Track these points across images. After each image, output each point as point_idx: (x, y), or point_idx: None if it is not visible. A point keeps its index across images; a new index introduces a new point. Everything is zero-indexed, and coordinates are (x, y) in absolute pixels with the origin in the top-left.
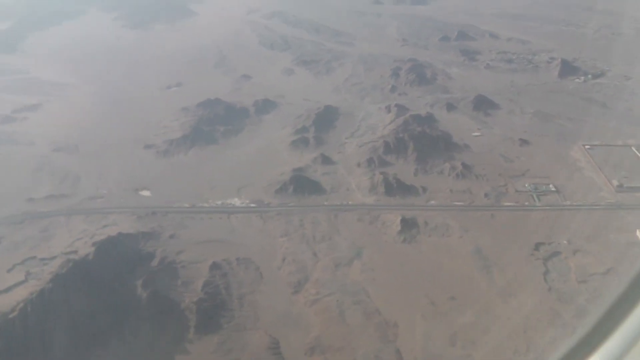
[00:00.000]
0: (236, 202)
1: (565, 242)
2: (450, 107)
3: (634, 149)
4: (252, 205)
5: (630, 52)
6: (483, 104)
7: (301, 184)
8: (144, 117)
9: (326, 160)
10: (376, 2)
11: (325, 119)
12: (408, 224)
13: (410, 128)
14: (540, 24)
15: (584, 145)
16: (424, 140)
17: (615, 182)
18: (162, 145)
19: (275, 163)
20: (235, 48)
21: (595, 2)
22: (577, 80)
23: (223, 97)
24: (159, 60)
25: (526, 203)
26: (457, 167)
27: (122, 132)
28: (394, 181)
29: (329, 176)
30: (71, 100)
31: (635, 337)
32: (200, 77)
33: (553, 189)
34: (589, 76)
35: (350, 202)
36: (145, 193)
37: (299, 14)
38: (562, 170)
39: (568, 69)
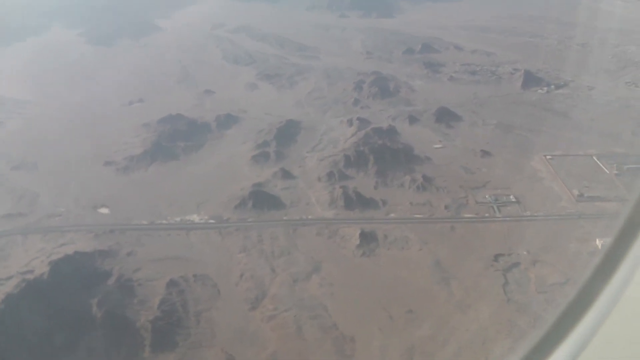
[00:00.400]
0: (195, 218)
1: (525, 252)
2: (413, 119)
3: (595, 158)
4: (211, 221)
5: (593, 63)
6: (445, 116)
7: (260, 199)
8: (104, 133)
9: (286, 174)
10: (342, 15)
11: (287, 133)
12: (367, 238)
13: (372, 141)
14: (505, 36)
15: (545, 156)
16: (384, 154)
17: (575, 192)
18: (122, 162)
19: (236, 178)
20: (199, 63)
21: (560, 14)
22: (540, 91)
23: (185, 112)
24: (122, 76)
25: (486, 214)
26: (417, 180)
27: (83, 149)
28: (353, 195)
29: (288, 191)
30: (32, 117)
31: (585, 341)
32: (162, 92)
33: (513, 199)
34: (552, 87)
35: (309, 217)
36: (104, 210)
37: (264, 28)
38: (522, 181)
39: (531, 80)
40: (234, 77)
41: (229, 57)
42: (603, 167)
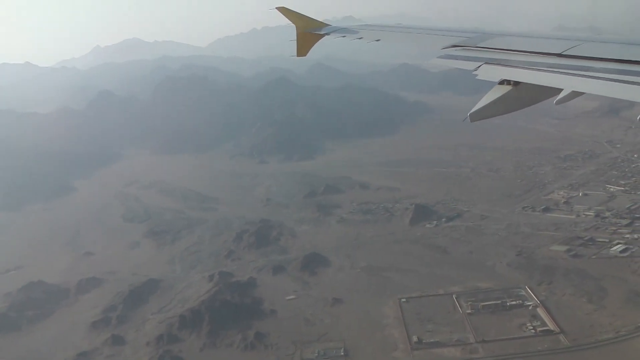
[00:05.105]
0: None
1: None
2: (278, 269)
3: (454, 297)
4: None
5: (498, 189)
6: (312, 263)
7: None
8: None
9: (118, 341)
10: (261, 161)
11: (140, 294)
12: None
13: (220, 298)
14: (417, 169)
15: (400, 299)
16: (224, 311)
17: (415, 338)
18: None
19: (65, 348)
20: (94, 223)
21: (489, 139)
22: (428, 225)
23: (54, 277)
24: (14, 242)
25: None
26: (248, 338)
27: None
28: None
29: (112, 359)
30: None
31: None
32: (45, 257)
33: (342, 353)
34: (443, 220)
35: None
36: None
37: (176, 182)
38: (364, 330)
39: (422, 214)
40: (122, 236)
41: (127, 215)
42: (459, 307)
